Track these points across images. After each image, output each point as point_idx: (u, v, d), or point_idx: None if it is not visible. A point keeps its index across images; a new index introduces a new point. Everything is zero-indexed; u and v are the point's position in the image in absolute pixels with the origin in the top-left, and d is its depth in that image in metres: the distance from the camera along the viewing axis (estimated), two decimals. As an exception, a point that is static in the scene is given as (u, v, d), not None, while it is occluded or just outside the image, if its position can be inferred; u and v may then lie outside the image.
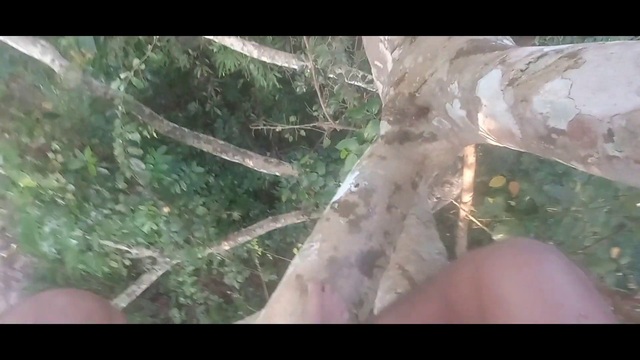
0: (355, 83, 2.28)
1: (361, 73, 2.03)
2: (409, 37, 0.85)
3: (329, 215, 0.73)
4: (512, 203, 1.54)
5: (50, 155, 2.57)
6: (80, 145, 2.81)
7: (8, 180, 2.76)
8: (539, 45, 1.06)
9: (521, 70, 0.51)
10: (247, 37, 2.92)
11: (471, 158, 1.41)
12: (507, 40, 0.69)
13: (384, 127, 0.92)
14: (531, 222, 1.54)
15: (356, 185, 0.76)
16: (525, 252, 0.32)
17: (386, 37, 0.86)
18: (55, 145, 2.58)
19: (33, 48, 3.23)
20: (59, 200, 2.83)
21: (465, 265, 0.38)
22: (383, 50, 0.89)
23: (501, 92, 0.54)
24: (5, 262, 5.62)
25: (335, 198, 0.79)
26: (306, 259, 0.66)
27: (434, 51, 0.75)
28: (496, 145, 0.71)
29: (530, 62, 0.50)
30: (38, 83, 3.59)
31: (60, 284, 4.91)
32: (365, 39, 0.98)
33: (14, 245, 5.12)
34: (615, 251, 1.77)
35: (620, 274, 1.78)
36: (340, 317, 0.59)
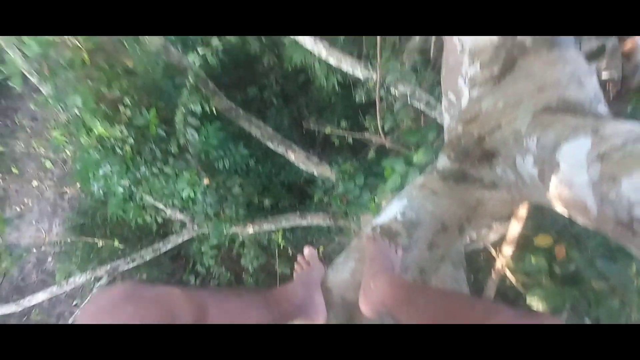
0: (417, 104, 2.24)
1: (426, 98, 2.00)
2: (494, 76, 0.82)
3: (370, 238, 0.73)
4: (556, 269, 1.43)
5: (121, 108, 2.81)
6: (147, 104, 3.04)
7: (80, 121, 3.04)
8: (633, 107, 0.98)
9: (615, 147, 0.48)
10: (320, 36, 2.97)
11: (523, 210, 1.33)
12: (601, 107, 0.65)
13: (442, 162, 0.90)
14: (571, 292, 1.42)
15: (403, 214, 0.76)
16: None
17: (468, 73, 0.84)
18: (127, 100, 2.81)
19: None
20: (118, 150, 3.08)
21: None
22: (461, 85, 0.88)
23: (586, 164, 0.51)
24: (58, 190, 6.22)
25: (379, 221, 0.79)
26: (339, 274, 0.67)
27: (519, 99, 0.72)
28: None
29: (628, 141, 0.47)
30: (125, 40, 3.90)
31: (97, 222, 5.35)
32: (445, 69, 0.96)
33: (68, 178, 5.66)
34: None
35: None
36: (395, 252, 0.67)
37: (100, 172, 3.44)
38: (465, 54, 0.81)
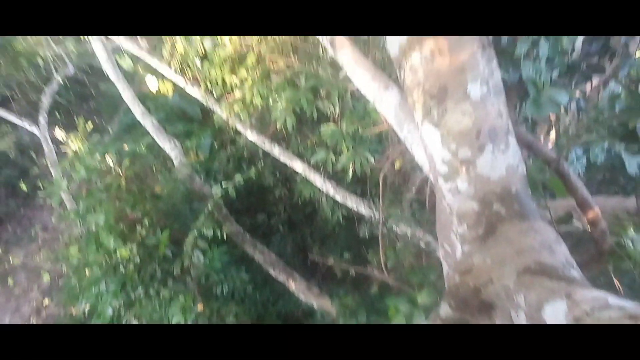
0: (419, 243, 2.39)
1: (426, 238, 2.16)
2: (480, 236, 0.97)
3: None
4: None
5: (138, 227, 2.98)
6: (163, 225, 3.23)
7: (93, 237, 3.16)
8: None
9: (587, 313, 0.57)
10: (327, 177, 3.39)
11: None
12: (574, 272, 0.76)
13: (444, 311, 0.96)
14: None
15: (410, 364, 0.77)
16: None
17: (458, 230, 1.00)
18: (145, 221, 3.01)
19: (167, 144, 4.18)
20: (120, 268, 3.08)
21: None
22: (454, 239, 1.02)
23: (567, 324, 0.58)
24: (40, 306, 5.82)
25: (386, 370, 0.79)
26: None
27: (502, 259, 0.84)
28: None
29: (595, 309, 0.57)
30: (155, 166, 4.43)
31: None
32: (439, 224, 1.13)
33: (55, 293, 5.39)
34: None
35: None
36: None
37: (94, 289, 3.33)
38: (454, 215, 0.98)
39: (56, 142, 3.77)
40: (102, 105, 6.00)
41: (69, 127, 3.28)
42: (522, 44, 1.05)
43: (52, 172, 3.69)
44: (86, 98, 6.04)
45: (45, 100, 4.78)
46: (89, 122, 3.01)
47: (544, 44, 1.06)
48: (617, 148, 1.09)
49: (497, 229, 0.88)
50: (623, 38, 1.48)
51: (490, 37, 0.89)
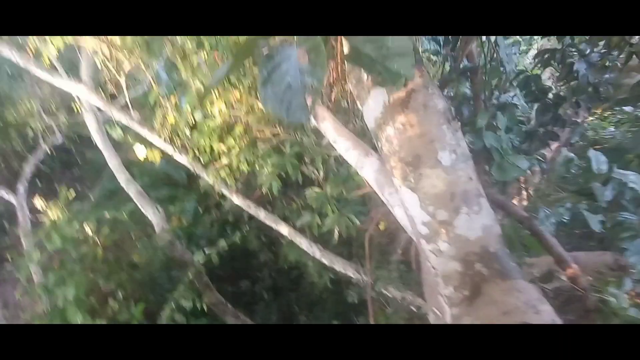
0: (409, 307, 2.30)
1: (417, 302, 2.10)
2: (467, 298, 0.97)
3: None
4: None
5: (111, 301, 2.76)
6: (137, 297, 3.00)
7: (59, 313, 2.88)
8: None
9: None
10: (313, 240, 3.35)
11: None
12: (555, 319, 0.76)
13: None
14: None
15: None
16: None
17: (445, 292, 0.99)
18: (119, 294, 2.80)
19: (150, 210, 4.11)
20: (86, 349, 2.77)
21: None
22: (442, 303, 1.01)
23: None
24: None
25: None
26: None
27: (491, 321, 0.84)
28: None
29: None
30: (134, 233, 4.26)
31: None
32: (426, 286, 1.13)
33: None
34: None
35: None
36: None
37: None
38: (439, 277, 0.99)
39: (34, 212, 3.65)
40: (86, 173, 5.98)
41: (50, 196, 3.22)
42: (482, 117, 1.19)
43: (24, 243, 3.49)
44: (70, 166, 6.04)
45: (28, 169, 4.74)
46: (71, 190, 2.97)
47: (501, 117, 1.20)
48: (580, 207, 1.18)
49: (482, 289, 0.89)
50: (569, 109, 1.68)
51: (453, 112, 1.01)
